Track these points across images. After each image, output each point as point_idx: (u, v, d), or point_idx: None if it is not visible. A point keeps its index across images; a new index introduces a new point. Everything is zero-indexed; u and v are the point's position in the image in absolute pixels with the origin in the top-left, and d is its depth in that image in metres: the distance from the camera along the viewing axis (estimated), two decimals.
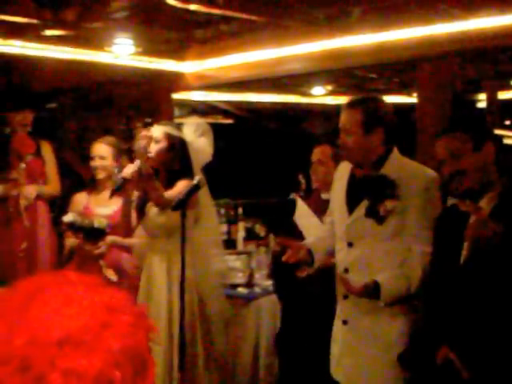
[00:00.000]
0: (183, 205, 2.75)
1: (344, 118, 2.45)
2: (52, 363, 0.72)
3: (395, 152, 2.49)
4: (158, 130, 3.14)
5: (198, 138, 3.12)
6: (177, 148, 3.09)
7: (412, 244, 2.38)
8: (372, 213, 2.40)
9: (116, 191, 3.08)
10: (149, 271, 3.19)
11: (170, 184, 3.11)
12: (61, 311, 0.76)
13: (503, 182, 2.16)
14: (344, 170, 2.63)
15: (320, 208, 3.25)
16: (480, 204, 2.12)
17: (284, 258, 2.59)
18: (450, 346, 2.05)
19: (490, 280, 2.02)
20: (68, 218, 3.29)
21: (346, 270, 2.51)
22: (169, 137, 3.10)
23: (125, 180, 3.02)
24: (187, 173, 3.04)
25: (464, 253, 2.12)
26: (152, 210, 3.13)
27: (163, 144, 3.09)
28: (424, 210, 2.36)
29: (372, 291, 2.31)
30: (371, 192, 2.43)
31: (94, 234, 3.28)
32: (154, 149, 3.09)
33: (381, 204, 2.38)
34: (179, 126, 3.20)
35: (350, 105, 2.47)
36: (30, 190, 3.88)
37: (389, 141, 2.47)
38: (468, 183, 2.15)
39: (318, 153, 3.43)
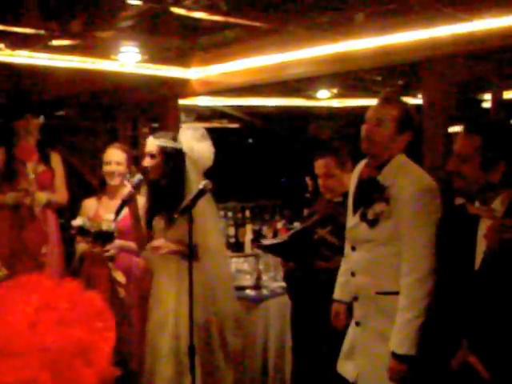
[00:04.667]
0: (190, 210, 2.78)
1: (378, 111, 2.39)
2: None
3: (401, 156, 2.44)
4: (152, 144, 3.06)
5: (196, 143, 3.05)
6: (172, 161, 3.03)
7: (402, 253, 2.34)
8: (364, 217, 2.42)
9: (118, 214, 3.12)
10: (158, 278, 3.21)
11: (168, 195, 3.07)
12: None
13: None
14: (356, 174, 2.61)
15: (328, 210, 3.27)
16: (493, 206, 2.09)
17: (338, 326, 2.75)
18: (470, 349, 2.05)
19: (510, 283, 1.98)
20: (77, 221, 3.36)
21: (353, 274, 2.54)
22: (163, 151, 3.03)
23: (124, 202, 3.05)
24: (183, 186, 3.00)
25: (479, 256, 2.07)
26: (159, 225, 3.14)
27: (158, 159, 3.03)
28: (416, 217, 2.30)
29: (398, 360, 2.30)
30: (363, 196, 2.45)
31: (102, 237, 3.35)
32: (149, 163, 3.05)
33: (370, 207, 2.39)
34: (175, 136, 3.09)
35: (387, 99, 2.41)
36: (42, 196, 3.97)
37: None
38: (461, 184, 2.13)
39: (323, 166, 3.23)
